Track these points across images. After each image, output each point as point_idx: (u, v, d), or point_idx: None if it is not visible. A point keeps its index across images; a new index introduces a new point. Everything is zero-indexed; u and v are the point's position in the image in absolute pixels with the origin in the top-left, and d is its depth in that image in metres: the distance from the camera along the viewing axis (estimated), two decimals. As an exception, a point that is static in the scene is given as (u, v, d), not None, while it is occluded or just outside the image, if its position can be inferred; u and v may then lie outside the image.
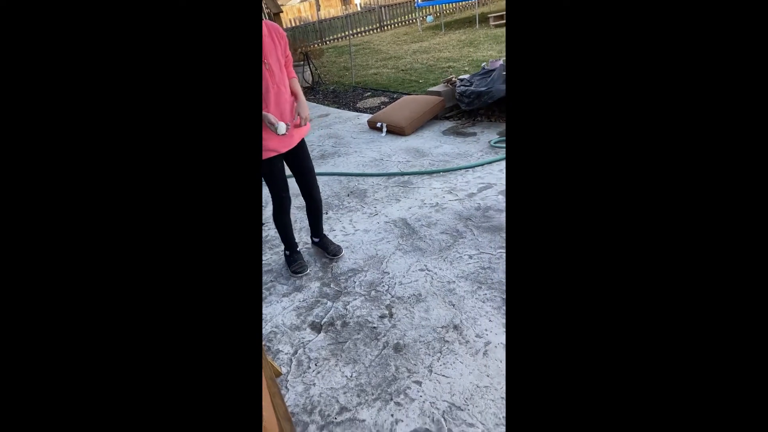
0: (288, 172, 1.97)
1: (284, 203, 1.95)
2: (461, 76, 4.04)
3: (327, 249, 2.21)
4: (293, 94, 1.83)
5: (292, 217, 2.33)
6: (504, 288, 1.80)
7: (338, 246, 2.22)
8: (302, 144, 1.91)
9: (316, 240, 2.26)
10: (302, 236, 2.47)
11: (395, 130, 3.92)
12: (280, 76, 1.73)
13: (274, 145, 1.76)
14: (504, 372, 1.42)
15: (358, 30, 13.13)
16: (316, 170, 3.11)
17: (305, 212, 2.21)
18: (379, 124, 4.06)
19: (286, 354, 1.67)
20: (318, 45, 11.88)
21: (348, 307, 1.86)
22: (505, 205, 2.41)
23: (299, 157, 1.92)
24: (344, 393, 1.45)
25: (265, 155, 1.76)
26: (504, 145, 3.16)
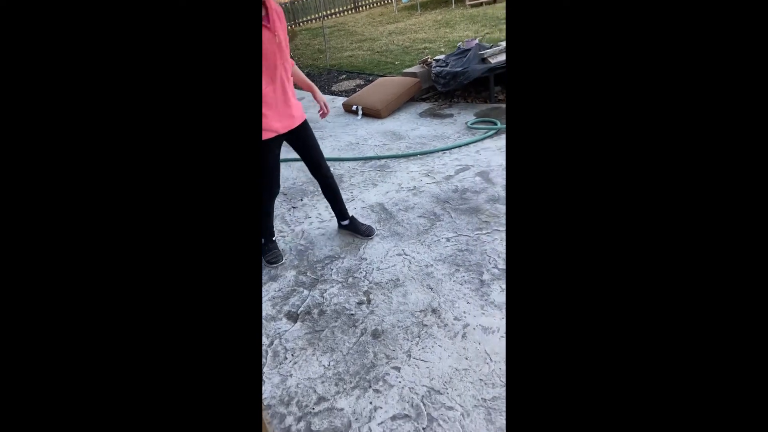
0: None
1: (273, 189, 1.89)
2: (437, 57, 3.97)
3: (359, 230, 2.13)
4: (301, 81, 1.91)
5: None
6: (481, 270, 1.79)
7: (370, 226, 2.15)
8: (305, 124, 1.86)
9: (344, 223, 2.18)
10: (277, 224, 2.40)
11: (371, 113, 3.84)
12: (286, 54, 1.71)
13: (275, 125, 1.71)
14: (482, 354, 1.42)
15: (333, 11, 12.80)
16: (291, 156, 3.02)
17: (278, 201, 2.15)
18: (354, 107, 3.97)
19: (261, 345, 1.62)
20: (291, 27, 11.53)
21: (325, 294, 1.82)
22: (482, 186, 2.39)
23: (304, 137, 1.87)
24: (322, 382, 1.43)
25: (265, 136, 1.69)
26: (481, 127, 3.14)
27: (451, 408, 1.27)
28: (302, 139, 1.86)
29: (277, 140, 1.77)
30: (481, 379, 1.34)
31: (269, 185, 1.86)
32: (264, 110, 1.66)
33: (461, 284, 1.73)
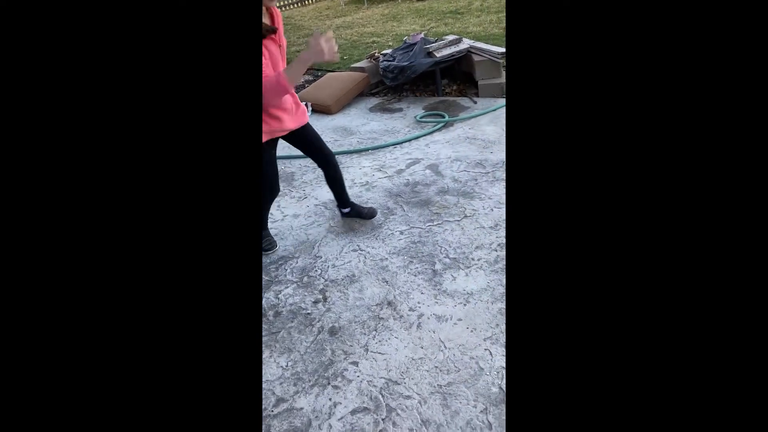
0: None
1: (274, 191, 1.89)
2: (384, 51, 3.98)
3: (362, 214, 2.17)
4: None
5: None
6: (434, 260, 1.84)
7: (372, 208, 2.19)
8: (308, 125, 1.89)
9: (345, 211, 2.18)
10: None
11: (321, 109, 3.80)
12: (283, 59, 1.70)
13: (290, 125, 1.73)
14: (437, 342, 1.47)
15: (279, 5, 12.46)
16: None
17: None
18: (304, 104, 3.91)
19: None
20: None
21: (280, 296, 1.80)
22: (432, 179, 2.45)
23: (311, 132, 1.91)
24: (280, 384, 1.42)
25: (271, 137, 1.70)
26: (429, 120, 3.19)
27: (408, 397, 1.30)
28: (305, 133, 1.88)
29: (274, 142, 1.77)
30: (436, 367, 1.38)
31: (268, 186, 1.85)
32: (280, 114, 1.68)
33: (415, 275, 1.77)
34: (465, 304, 1.60)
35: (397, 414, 1.26)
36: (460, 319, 1.54)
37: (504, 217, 2.03)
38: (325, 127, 3.51)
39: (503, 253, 1.81)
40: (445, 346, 1.45)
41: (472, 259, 1.81)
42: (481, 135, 2.85)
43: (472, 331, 1.49)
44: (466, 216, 2.09)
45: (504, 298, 1.59)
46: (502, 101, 3.25)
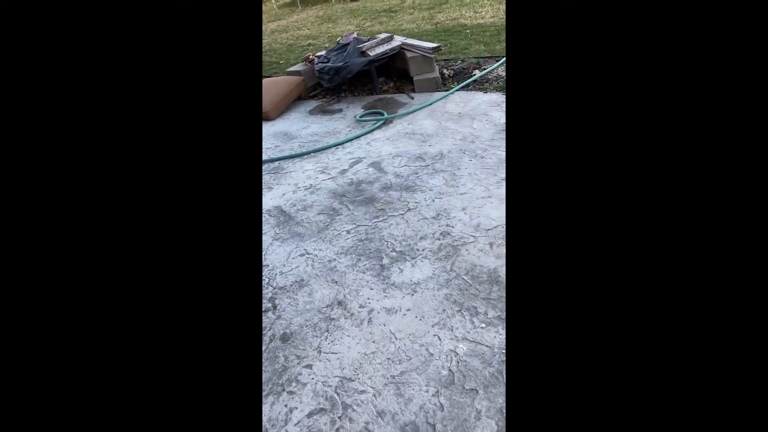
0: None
1: None
2: (318, 53, 3.97)
3: None
4: None
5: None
6: (381, 255, 1.87)
7: None
8: None
9: None
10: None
11: (260, 116, 3.73)
12: None
13: None
14: (388, 334, 1.50)
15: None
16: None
17: None
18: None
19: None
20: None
21: (228, 309, 1.76)
22: (375, 176, 2.48)
23: None
24: (233, 398, 1.39)
25: None
26: (369, 119, 3.23)
27: (363, 392, 1.32)
28: None
29: None
30: (388, 358, 1.41)
31: None
32: None
33: (363, 272, 1.79)
34: (413, 294, 1.64)
35: (353, 410, 1.28)
36: (408, 310, 1.58)
37: (445, 206, 2.10)
38: (265, 134, 3.44)
39: (446, 241, 1.87)
40: (396, 338, 1.48)
41: (418, 250, 1.86)
42: (419, 129, 2.92)
43: (420, 319, 1.54)
44: (409, 209, 2.14)
45: (449, 284, 1.65)
46: (438, 95, 3.34)
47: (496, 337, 1.41)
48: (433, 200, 2.16)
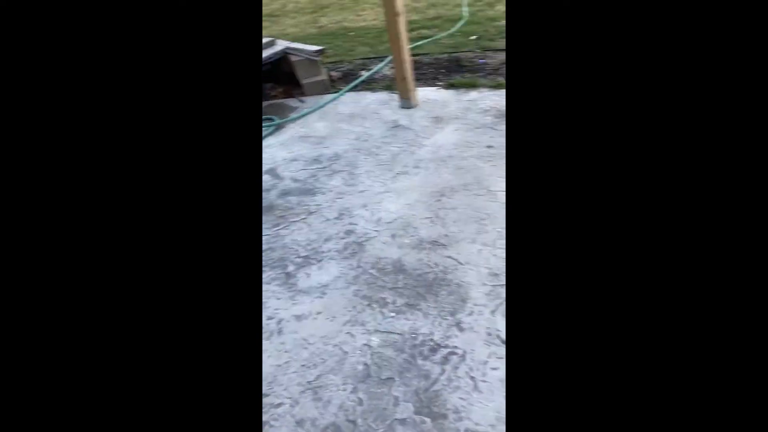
0: None
1: None
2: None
3: None
4: None
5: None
6: (285, 263, 1.81)
7: None
8: None
9: None
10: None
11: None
12: None
13: None
14: (300, 341, 1.46)
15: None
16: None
17: None
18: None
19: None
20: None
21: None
22: (272, 183, 2.40)
23: None
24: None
25: None
26: (261, 125, 3.11)
27: (279, 405, 1.27)
28: None
29: None
30: (302, 365, 1.38)
31: None
32: None
33: (268, 283, 1.72)
34: (322, 297, 1.62)
35: (271, 426, 1.22)
36: (319, 312, 1.56)
37: (346, 205, 2.11)
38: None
39: (350, 239, 1.89)
40: (308, 343, 1.45)
41: (323, 252, 1.84)
42: (313, 132, 2.89)
43: (332, 320, 1.52)
44: (311, 212, 2.11)
45: (357, 280, 1.66)
46: (328, 97, 3.35)
47: (406, 324, 1.46)
48: (334, 201, 2.16)
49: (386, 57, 3.92)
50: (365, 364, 1.35)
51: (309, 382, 1.32)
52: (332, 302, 1.59)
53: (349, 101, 3.26)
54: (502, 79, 3.08)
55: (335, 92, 3.44)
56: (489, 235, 1.74)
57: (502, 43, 3.76)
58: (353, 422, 1.20)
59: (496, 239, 1.72)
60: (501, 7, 4.81)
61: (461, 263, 1.64)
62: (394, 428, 1.17)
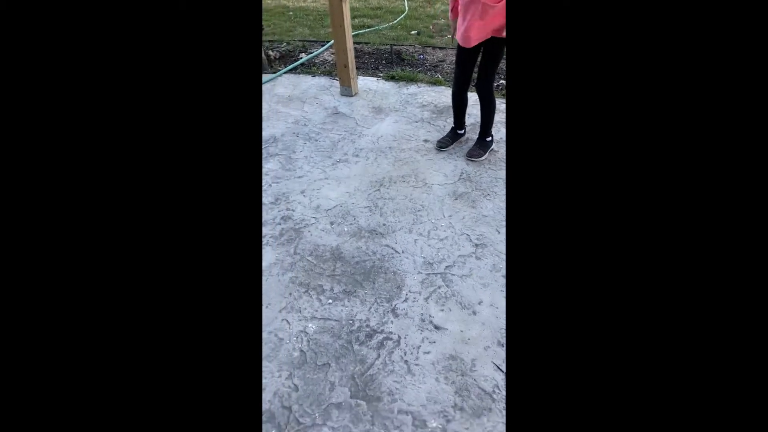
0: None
1: (457, 81, 2.17)
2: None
3: (469, 149, 2.28)
4: None
5: None
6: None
7: (478, 150, 2.24)
8: (490, 47, 1.97)
9: (488, 140, 2.26)
10: None
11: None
12: None
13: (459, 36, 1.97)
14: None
15: None
16: None
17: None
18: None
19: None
20: None
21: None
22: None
23: (484, 57, 2.03)
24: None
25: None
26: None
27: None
28: (484, 58, 2.02)
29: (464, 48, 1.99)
30: (235, 353, 1.34)
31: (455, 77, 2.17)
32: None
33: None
34: (256, 283, 1.58)
35: (200, 416, 1.17)
36: (253, 299, 1.52)
37: (283, 190, 2.06)
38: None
39: (287, 225, 1.85)
40: (241, 330, 1.41)
41: (258, 238, 1.78)
42: (248, 112, 2.76)
43: (267, 307, 1.49)
44: (245, 196, 2.02)
45: (294, 267, 1.64)
46: (265, 77, 3.21)
47: (343, 311, 1.47)
48: (270, 185, 2.10)
49: (327, 42, 3.85)
50: (301, 351, 1.35)
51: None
52: (268, 288, 1.56)
53: (288, 83, 3.16)
54: (440, 76, 3.19)
55: (273, 72, 3.30)
56: (424, 226, 1.82)
57: (440, 41, 3.88)
58: (288, 408, 1.20)
59: (431, 230, 1.79)
60: (440, 6, 4.94)
61: (398, 252, 1.70)
62: (329, 412, 1.19)
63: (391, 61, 3.51)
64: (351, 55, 2.78)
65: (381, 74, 3.27)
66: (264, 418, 1.18)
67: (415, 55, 3.59)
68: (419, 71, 3.29)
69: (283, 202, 1.98)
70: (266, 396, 1.23)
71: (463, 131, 2.39)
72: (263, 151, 2.35)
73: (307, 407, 1.20)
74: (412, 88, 3.01)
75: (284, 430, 1.15)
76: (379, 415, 1.18)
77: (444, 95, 2.90)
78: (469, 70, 2.11)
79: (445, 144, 2.31)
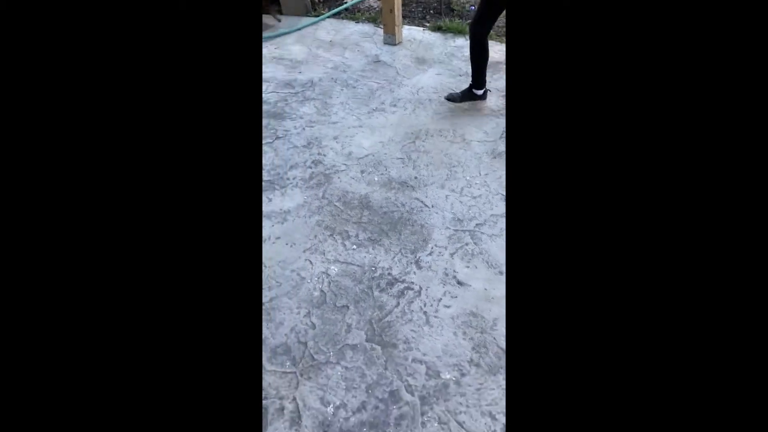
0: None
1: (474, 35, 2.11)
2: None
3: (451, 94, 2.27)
4: None
5: None
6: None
7: (458, 94, 2.24)
8: None
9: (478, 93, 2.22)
10: None
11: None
12: None
13: None
14: (256, 263, 1.42)
15: None
16: None
17: None
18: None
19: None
20: None
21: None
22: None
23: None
24: None
25: None
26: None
27: None
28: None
29: None
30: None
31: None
32: None
33: (227, 203, 1.65)
34: (283, 223, 1.58)
35: (220, 340, 1.21)
36: (278, 237, 1.52)
37: (316, 135, 2.02)
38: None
39: (318, 169, 1.82)
40: (265, 266, 1.42)
41: (288, 179, 1.77)
42: (288, 55, 2.70)
43: (291, 246, 1.49)
44: (278, 137, 2.00)
45: (321, 211, 1.62)
46: (307, 20, 3.11)
47: (367, 257, 1.45)
48: (304, 129, 2.06)
49: (374, -13, 3.65)
50: (321, 291, 1.35)
51: (263, 303, 1.30)
52: (294, 229, 1.55)
53: (330, 28, 3.04)
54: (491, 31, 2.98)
55: (316, 16, 3.19)
56: (458, 182, 1.74)
57: (495, -7, 3.60)
58: (304, 344, 1.21)
59: (464, 187, 1.72)
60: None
61: (427, 206, 1.64)
62: (344, 352, 1.19)
63: (439, 11, 3.31)
64: (398, 0, 2.62)
65: (428, 24, 3.09)
66: (280, 351, 1.20)
67: (466, 6, 3.36)
68: (468, 23, 3.08)
69: (315, 147, 1.95)
70: (283, 330, 1.24)
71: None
72: (298, 95, 2.30)
73: (323, 345, 1.21)
74: (459, 41, 2.83)
75: (299, 363, 1.17)
76: (392, 360, 1.17)
77: (492, 50, 2.71)
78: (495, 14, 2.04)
79: (455, 98, 2.26)
